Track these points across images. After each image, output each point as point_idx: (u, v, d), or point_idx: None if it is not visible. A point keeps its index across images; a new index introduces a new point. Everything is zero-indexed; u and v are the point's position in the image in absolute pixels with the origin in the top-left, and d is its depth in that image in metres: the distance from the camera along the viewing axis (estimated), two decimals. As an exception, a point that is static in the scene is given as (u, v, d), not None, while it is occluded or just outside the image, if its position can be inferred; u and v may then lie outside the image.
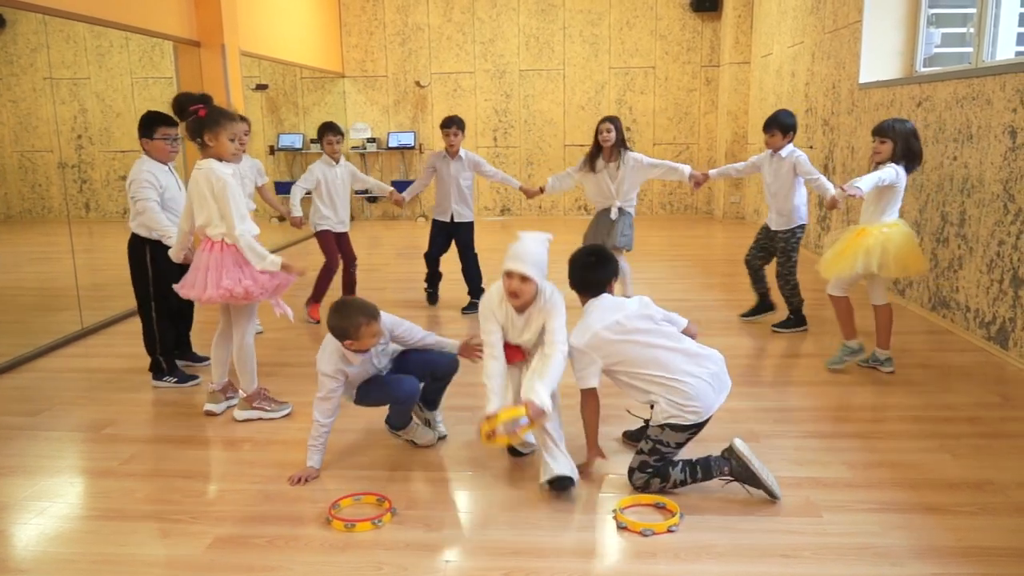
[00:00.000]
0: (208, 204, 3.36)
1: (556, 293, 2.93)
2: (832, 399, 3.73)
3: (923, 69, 6.10)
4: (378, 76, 10.78)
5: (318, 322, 5.29)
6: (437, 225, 5.70)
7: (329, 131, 5.34)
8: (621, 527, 2.59)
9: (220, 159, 3.38)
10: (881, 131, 3.86)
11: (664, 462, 2.79)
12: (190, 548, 2.54)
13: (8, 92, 10.70)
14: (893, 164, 3.83)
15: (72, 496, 2.95)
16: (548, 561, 2.42)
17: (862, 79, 6.34)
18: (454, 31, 10.56)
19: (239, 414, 3.61)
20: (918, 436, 3.29)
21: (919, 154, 3.91)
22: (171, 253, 3.72)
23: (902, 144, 3.83)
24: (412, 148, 10.59)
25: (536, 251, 2.87)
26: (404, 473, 3.05)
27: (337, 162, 5.37)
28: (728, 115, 10.09)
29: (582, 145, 10.62)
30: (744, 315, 5.23)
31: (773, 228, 4.93)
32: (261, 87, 10.67)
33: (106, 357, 4.70)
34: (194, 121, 3.33)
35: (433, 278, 5.85)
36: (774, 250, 4.98)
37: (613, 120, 5.15)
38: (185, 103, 3.45)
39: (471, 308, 5.61)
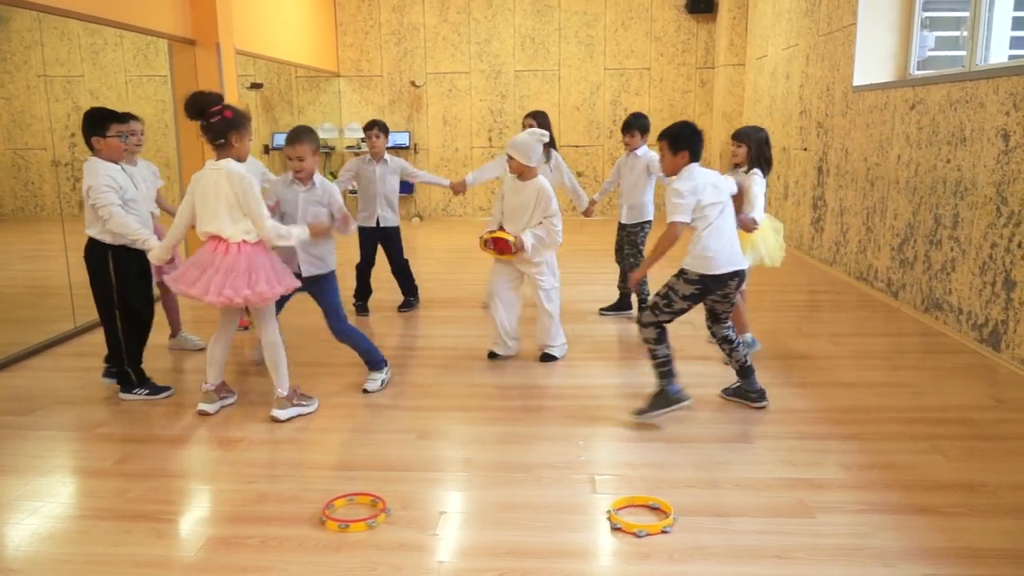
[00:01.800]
0: (224, 204, 3.33)
1: (548, 185, 4.18)
2: (825, 401, 3.75)
3: (917, 72, 6.13)
4: (373, 76, 10.77)
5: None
6: (364, 233, 5.43)
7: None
8: (615, 528, 2.60)
9: (240, 159, 3.40)
10: (739, 136, 4.27)
11: (669, 312, 3.46)
12: (184, 548, 2.54)
13: (2, 89, 10.65)
14: (757, 172, 4.14)
15: (65, 496, 2.94)
16: (542, 562, 2.43)
17: (856, 82, 6.36)
18: (450, 31, 10.56)
19: (281, 414, 3.56)
20: (911, 438, 3.31)
21: (770, 160, 4.23)
22: (155, 255, 3.62)
23: (755, 149, 4.17)
24: (407, 148, 10.59)
25: (523, 140, 4.09)
26: (398, 473, 3.05)
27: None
28: (723, 117, 10.11)
29: (577, 146, 10.64)
30: (603, 310, 5.50)
31: (623, 221, 5.29)
32: (256, 86, 10.65)
33: (99, 356, 4.66)
34: (221, 121, 3.33)
35: (363, 292, 5.61)
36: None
37: (536, 116, 5.34)
38: (205, 103, 3.37)
39: (407, 306, 5.64)
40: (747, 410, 3.64)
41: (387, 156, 5.40)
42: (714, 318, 3.68)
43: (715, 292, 3.50)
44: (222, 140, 3.35)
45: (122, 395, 3.94)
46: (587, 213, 5.47)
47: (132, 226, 3.71)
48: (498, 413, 3.66)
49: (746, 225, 3.96)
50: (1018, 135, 4.16)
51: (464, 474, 3.05)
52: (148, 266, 3.88)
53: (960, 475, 2.96)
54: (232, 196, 3.34)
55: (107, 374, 4.15)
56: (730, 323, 3.69)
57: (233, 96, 7.00)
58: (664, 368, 3.50)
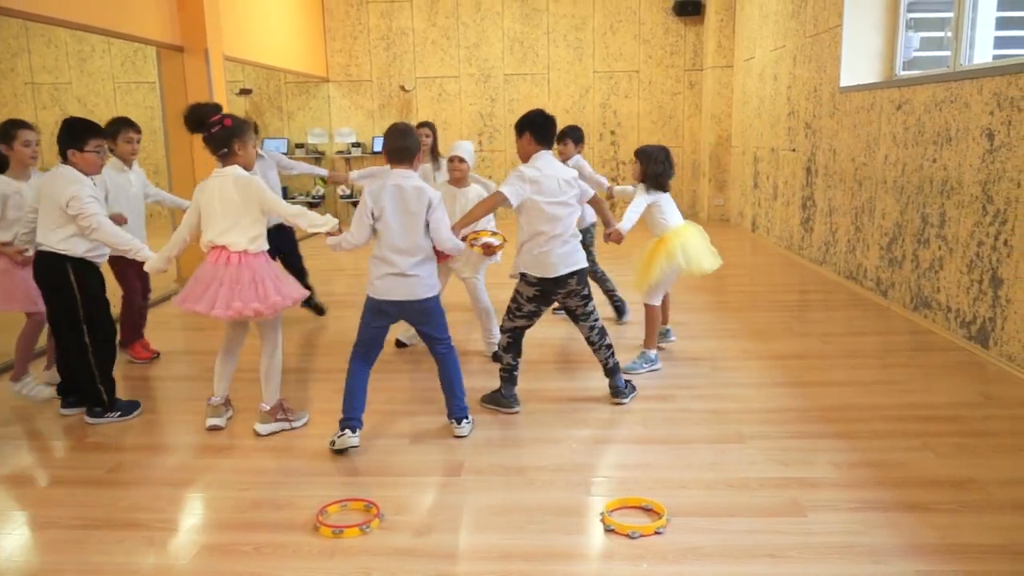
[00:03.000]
0: (231, 212, 3.28)
1: (482, 190, 4.48)
2: (816, 400, 3.77)
3: (902, 72, 6.17)
4: (363, 80, 10.77)
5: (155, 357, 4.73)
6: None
7: (127, 126, 4.42)
8: (608, 530, 2.61)
9: (247, 167, 3.38)
10: (637, 153, 4.34)
11: (521, 315, 3.63)
12: (177, 557, 2.53)
13: (-12, 97, 10.59)
14: (640, 187, 4.24)
15: (57, 505, 2.93)
16: (536, 564, 2.43)
17: (843, 82, 6.40)
18: (438, 35, 10.57)
19: (263, 428, 3.49)
20: (901, 435, 3.33)
21: (662, 175, 4.23)
22: (152, 266, 3.51)
23: (646, 166, 4.23)
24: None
25: (466, 145, 4.57)
26: (392, 479, 3.05)
27: (130, 166, 4.51)
28: (712, 118, 10.16)
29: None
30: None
31: None
32: (245, 92, 10.64)
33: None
34: (222, 130, 3.30)
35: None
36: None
37: (430, 125, 5.31)
38: (204, 115, 3.36)
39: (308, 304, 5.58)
40: (739, 411, 3.65)
41: (263, 151, 5.23)
42: (572, 316, 3.76)
43: (557, 292, 3.61)
44: (225, 149, 3.32)
45: (89, 420, 3.67)
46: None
47: (125, 237, 3.61)
48: (491, 416, 3.66)
49: (612, 237, 4.03)
50: (1002, 134, 4.20)
51: (457, 478, 3.05)
52: (103, 278, 3.74)
53: (951, 472, 2.98)
54: (240, 203, 3.29)
55: (67, 404, 3.83)
56: (594, 324, 3.73)
57: (222, 102, 6.98)
58: (505, 374, 3.72)
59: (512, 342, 3.71)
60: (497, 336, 4.40)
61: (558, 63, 10.57)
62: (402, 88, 10.65)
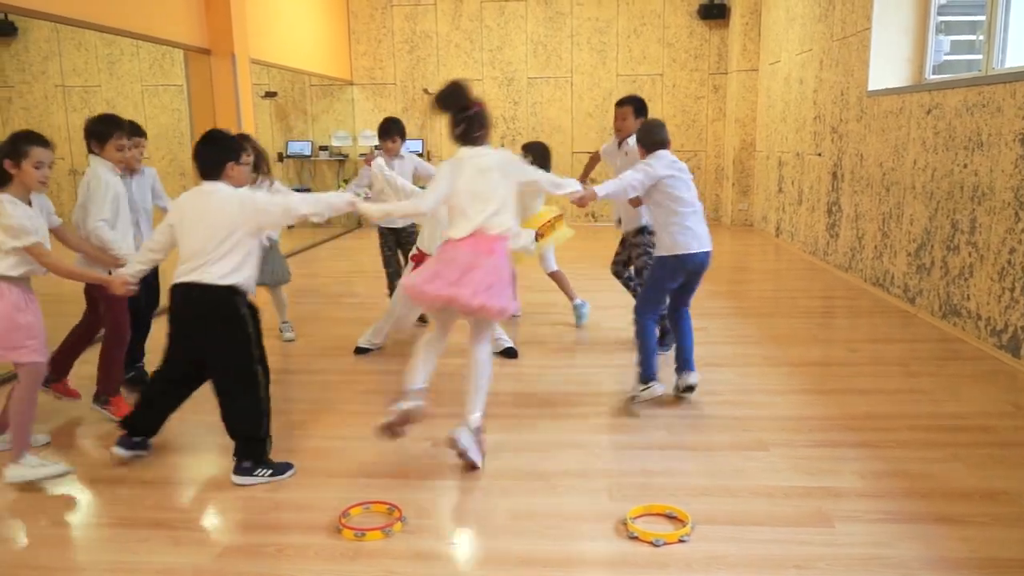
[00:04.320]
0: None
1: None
2: (841, 408, 3.72)
3: (932, 76, 6.09)
4: (387, 83, 10.82)
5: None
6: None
7: (117, 128, 3.72)
8: (632, 537, 2.58)
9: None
10: (525, 148, 4.87)
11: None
12: (201, 556, 2.55)
13: (20, 99, 10.77)
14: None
15: (83, 504, 2.96)
16: (558, 571, 2.42)
17: (871, 86, 6.33)
18: (462, 39, 10.60)
19: (464, 439, 3.09)
20: (929, 445, 3.27)
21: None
22: (132, 271, 3.19)
23: (537, 161, 4.48)
24: (420, 155, 10.61)
25: None
26: (415, 481, 3.05)
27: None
28: (736, 122, 10.08)
29: (590, 152, 10.62)
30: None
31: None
32: (270, 95, 10.73)
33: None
34: (480, 112, 3.33)
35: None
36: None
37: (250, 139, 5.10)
38: (463, 94, 3.41)
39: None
40: (762, 418, 3.61)
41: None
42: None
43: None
44: (481, 132, 3.29)
45: (238, 480, 3.05)
46: None
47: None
48: (514, 421, 3.65)
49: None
50: (1036, 139, 4.12)
51: (480, 482, 3.04)
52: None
53: (981, 483, 2.93)
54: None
55: (132, 446, 3.29)
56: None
57: (248, 105, 7.05)
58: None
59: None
60: (503, 335, 4.56)
61: (581, 66, 10.55)
62: (425, 91, 10.68)
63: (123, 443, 3.21)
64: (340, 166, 10.89)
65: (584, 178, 5.34)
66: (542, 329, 5.26)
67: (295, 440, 3.47)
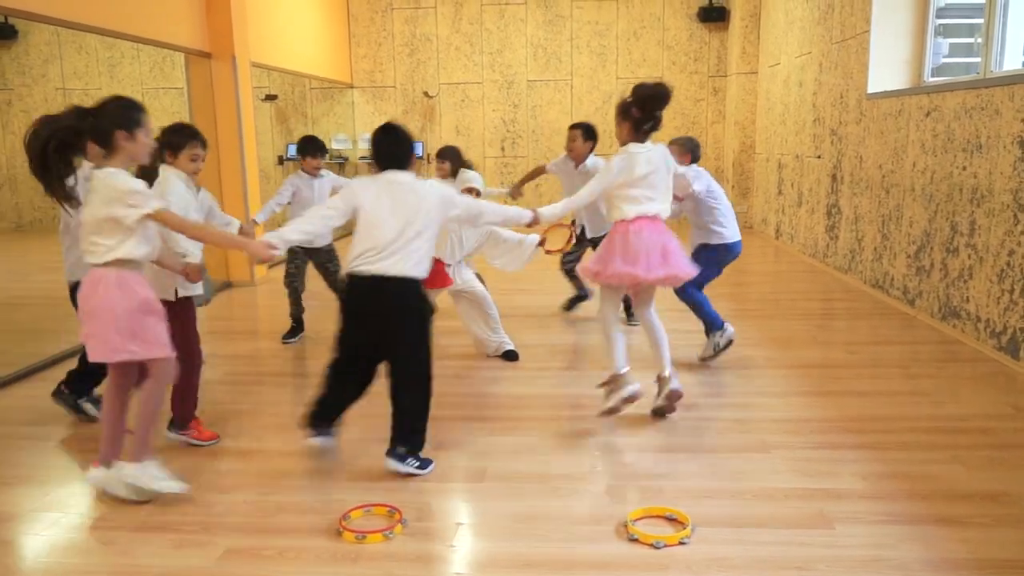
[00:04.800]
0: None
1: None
2: (841, 410, 3.72)
3: (931, 79, 6.10)
4: (386, 86, 10.83)
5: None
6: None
7: (192, 138, 3.50)
8: (632, 539, 2.59)
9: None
10: (440, 154, 5.11)
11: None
12: (201, 559, 2.55)
13: (20, 102, 10.80)
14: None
15: (83, 507, 2.96)
16: (559, 573, 2.42)
17: (870, 89, 6.34)
18: (462, 42, 10.61)
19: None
20: (929, 447, 3.28)
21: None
22: (287, 237, 3.08)
23: (455, 166, 4.98)
24: (420, 158, 10.62)
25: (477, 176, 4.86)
26: (415, 484, 3.05)
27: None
28: (735, 125, 10.10)
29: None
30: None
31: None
32: (270, 97, 10.74)
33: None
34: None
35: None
36: None
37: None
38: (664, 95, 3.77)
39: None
40: (763, 420, 3.62)
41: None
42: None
43: None
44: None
45: (394, 465, 3.09)
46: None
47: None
48: (514, 423, 3.66)
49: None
50: (1035, 142, 4.13)
51: (480, 485, 3.05)
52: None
53: (981, 485, 2.93)
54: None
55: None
56: None
57: (248, 108, 7.06)
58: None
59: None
60: (505, 338, 4.70)
61: (581, 69, 10.57)
62: (426, 94, 10.70)
63: (317, 431, 3.16)
64: (340, 169, 10.90)
65: (520, 186, 5.65)
66: (543, 332, 5.26)
67: (295, 441, 3.47)
